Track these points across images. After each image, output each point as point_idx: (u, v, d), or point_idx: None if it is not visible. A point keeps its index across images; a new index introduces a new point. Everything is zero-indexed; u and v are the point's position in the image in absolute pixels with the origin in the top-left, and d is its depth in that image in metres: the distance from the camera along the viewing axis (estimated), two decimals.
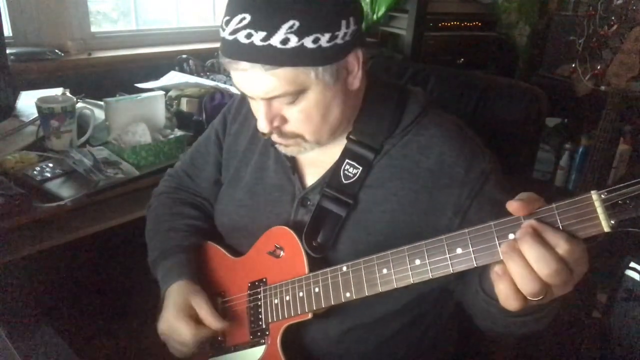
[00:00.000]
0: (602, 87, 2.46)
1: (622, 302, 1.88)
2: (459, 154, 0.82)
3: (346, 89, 0.80)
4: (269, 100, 0.76)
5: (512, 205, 0.57)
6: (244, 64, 0.72)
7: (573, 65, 2.69)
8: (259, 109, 0.78)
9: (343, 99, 0.80)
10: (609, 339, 1.92)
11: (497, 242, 0.60)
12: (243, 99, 1.06)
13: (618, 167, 2.47)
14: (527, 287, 0.55)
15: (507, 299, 0.58)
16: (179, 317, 0.87)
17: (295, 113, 0.77)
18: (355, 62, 0.78)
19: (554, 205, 0.57)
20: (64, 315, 1.33)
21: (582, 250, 0.55)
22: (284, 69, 0.71)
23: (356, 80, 0.80)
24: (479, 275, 0.72)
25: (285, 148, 0.84)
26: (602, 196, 0.54)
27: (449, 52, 2.64)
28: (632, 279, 1.85)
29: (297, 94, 0.75)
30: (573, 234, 0.55)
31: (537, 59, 2.96)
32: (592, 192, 0.54)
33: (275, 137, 0.82)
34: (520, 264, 0.55)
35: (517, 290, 0.57)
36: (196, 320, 0.88)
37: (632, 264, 1.85)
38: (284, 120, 0.78)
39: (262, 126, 0.78)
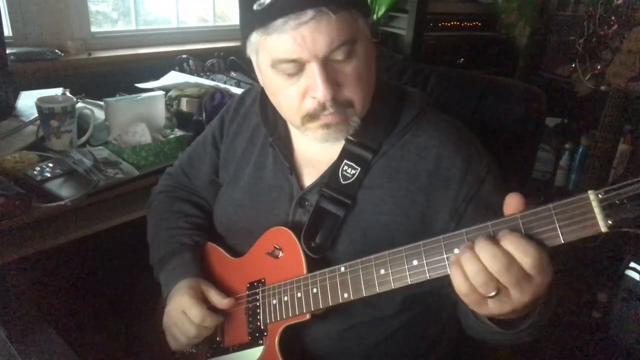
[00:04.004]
0: (602, 87, 2.47)
1: (622, 302, 1.88)
2: (456, 156, 0.82)
3: (375, 58, 0.83)
4: (326, 59, 0.73)
5: (513, 198, 0.60)
6: (309, 13, 0.69)
7: (573, 65, 2.70)
8: (315, 76, 0.73)
9: (374, 70, 0.83)
10: (609, 339, 1.92)
11: None
12: (241, 100, 1.06)
13: (618, 167, 2.47)
14: (477, 279, 0.58)
15: (458, 289, 0.61)
16: (191, 296, 0.88)
17: (349, 72, 0.76)
18: (371, 29, 0.81)
19: (551, 205, 0.57)
20: (64, 315, 1.33)
21: (540, 258, 0.57)
22: (344, 13, 0.72)
23: (375, 50, 0.83)
24: None
25: (335, 127, 0.79)
26: (600, 196, 0.54)
27: (449, 52, 2.64)
28: (632, 279, 1.85)
29: (352, 43, 0.75)
30: (540, 242, 0.57)
31: (537, 59, 2.96)
32: (590, 191, 0.54)
33: (326, 113, 0.77)
34: (471, 256, 0.58)
35: (471, 286, 0.59)
36: (208, 306, 0.88)
37: (632, 264, 1.85)
38: (338, 85, 0.76)
39: (324, 91, 0.73)
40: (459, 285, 0.60)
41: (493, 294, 0.58)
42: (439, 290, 0.84)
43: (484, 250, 0.58)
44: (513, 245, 0.57)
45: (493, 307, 0.60)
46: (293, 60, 0.74)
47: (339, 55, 0.74)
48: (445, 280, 0.72)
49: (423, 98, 0.90)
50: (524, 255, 0.56)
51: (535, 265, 0.57)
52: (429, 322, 0.92)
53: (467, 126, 0.90)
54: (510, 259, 0.57)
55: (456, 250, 0.63)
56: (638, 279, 1.84)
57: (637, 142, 2.48)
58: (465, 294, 0.60)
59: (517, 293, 0.58)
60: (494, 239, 0.58)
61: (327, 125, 0.79)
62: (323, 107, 0.76)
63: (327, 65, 0.74)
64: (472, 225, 0.62)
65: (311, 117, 0.78)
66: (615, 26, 2.50)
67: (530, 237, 0.58)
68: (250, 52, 0.82)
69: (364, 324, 0.87)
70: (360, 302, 0.77)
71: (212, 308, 0.89)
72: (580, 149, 2.70)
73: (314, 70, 0.74)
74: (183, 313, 0.88)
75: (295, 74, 0.76)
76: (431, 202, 0.82)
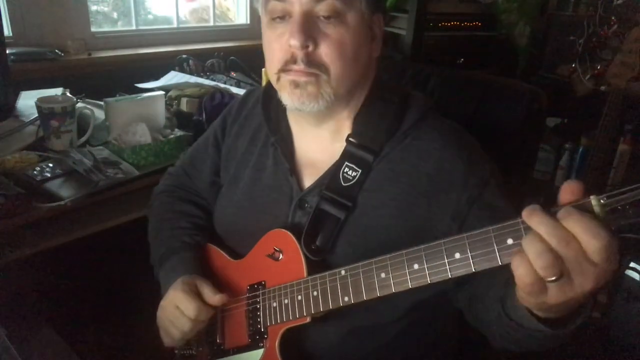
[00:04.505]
0: (602, 87, 2.47)
1: (622, 302, 1.88)
2: (458, 159, 0.82)
3: (370, 50, 0.84)
4: (309, 12, 0.76)
5: (568, 185, 0.55)
6: None
7: (573, 65, 2.70)
8: (293, 24, 0.77)
9: (367, 58, 0.84)
10: (609, 339, 1.92)
11: (495, 247, 0.59)
12: (243, 101, 1.06)
13: (618, 167, 2.47)
14: (540, 260, 0.52)
15: (521, 279, 0.55)
16: (185, 291, 0.87)
17: (331, 33, 0.77)
18: (378, 28, 0.84)
19: (552, 210, 0.55)
20: (64, 315, 1.33)
21: (610, 242, 0.51)
22: None
23: (377, 48, 0.85)
24: (501, 300, 0.70)
25: (304, 88, 0.79)
26: (602, 201, 0.53)
27: (449, 52, 2.64)
28: (632, 279, 1.85)
29: (341, 3, 0.76)
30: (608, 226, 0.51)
31: (537, 59, 2.95)
32: (592, 197, 0.53)
33: (299, 66, 0.78)
34: (533, 238, 0.53)
35: (532, 269, 0.53)
36: (202, 301, 0.88)
37: (632, 264, 1.85)
38: (315, 42, 0.77)
39: (296, 37, 0.75)
40: (524, 275, 0.54)
41: (555, 277, 0.52)
42: (441, 296, 0.84)
43: (542, 224, 0.52)
44: (580, 225, 0.51)
45: (552, 296, 0.55)
46: None
47: (324, 10, 0.76)
48: (448, 285, 0.71)
49: (426, 101, 0.90)
50: (592, 237, 0.51)
51: (604, 250, 0.51)
52: (428, 327, 0.92)
53: (467, 126, 0.90)
54: (571, 235, 0.52)
55: (457, 255, 0.62)
56: (638, 279, 1.84)
57: (637, 142, 2.47)
58: (529, 283, 0.54)
59: (579, 276, 0.53)
60: (554, 216, 0.53)
61: (296, 84, 0.80)
62: (294, 59, 0.78)
63: (309, 17, 0.77)
64: (475, 228, 0.62)
65: (283, 69, 0.80)
66: (615, 26, 2.49)
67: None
68: (257, 4, 0.85)
69: (365, 329, 0.86)
70: (361, 307, 0.77)
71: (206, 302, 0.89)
72: (580, 149, 2.69)
73: (294, 17, 0.77)
74: (176, 307, 0.87)
75: (281, 22, 0.79)
76: (432, 206, 0.81)
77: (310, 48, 0.77)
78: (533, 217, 0.54)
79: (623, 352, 1.88)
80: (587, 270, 0.52)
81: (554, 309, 0.59)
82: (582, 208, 0.53)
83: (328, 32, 0.77)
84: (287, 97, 0.82)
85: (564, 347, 0.73)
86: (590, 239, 0.51)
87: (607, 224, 0.52)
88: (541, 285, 0.54)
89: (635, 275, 1.85)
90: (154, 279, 1.00)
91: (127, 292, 1.47)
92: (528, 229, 0.55)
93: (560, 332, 0.63)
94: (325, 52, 0.78)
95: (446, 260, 0.63)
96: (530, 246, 0.53)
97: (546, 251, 0.52)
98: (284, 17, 0.79)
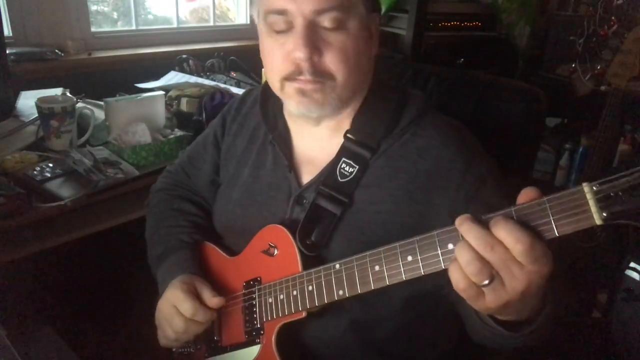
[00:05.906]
0: (602, 87, 2.47)
1: (622, 302, 1.88)
2: (456, 156, 0.82)
3: (369, 51, 0.85)
4: (312, 22, 0.76)
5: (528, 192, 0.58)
6: None
7: (573, 65, 2.70)
8: (297, 34, 0.76)
9: (367, 57, 0.84)
10: (609, 339, 1.92)
11: None
12: (242, 100, 1.06)
13: (618, 167, 2.47)
14: (470, 267, 0.57)
15: (456, 285, 0.59)
16: (184, 290, 0.87)
17: (334, 42, 0.77)
18: (374, 26, 0.84)
19: (545, 198, 0.56)
20: (64, 315, 1.33)
21: (532, 244, 0.54)
22: None
23: (375, 46, 0.86)
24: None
25: (310, 96, 0.80)
26: (594, 188, 0.53)
27: (449, 52, 2.64)
28: (632, 279, 1.85)
29: (343, 12, 0.76)
30: (538, 235, 0.56)
31: (537, 59, 2.95)
32: (584, 184, 0.53)
33: (305, 76, 0.78)
34: (463, 245, 0.58)
35: (465, 275, 0.58)
36: (199, 302, 0.87)
37: (632, 264, 1.85)
38: (319, 52, 0.77)
39: (302, 50, 0.75)
40: (457, 280, 0.58)
41: (487, 282, 0.57)
42: (437, 291, 0.84)
43: (470, 232, 0.57)
44: (504, 231, 0.55)
45: (490, 300, 0.58)
46: (281, 12, 0.76)
47: (326, 22, 0.76)
48: (444, 281, 0.71)
49: (425, 99, 0.90)
50: (515, 241, 0.55)
51: (527, 253, 0.55)
52: (425, 323, 0.92)
53: (467, 126, 0.90)
54: (495, 241, 0.56)
55: (450, 245, 0.63)
56: (638, 279, 1.84)
57: (637, 142, 2.47)
58: (462, 289, 0.59)
59: (509, 278, 0.56)
60: (483, 224, 0.57)
61: (302, 92, 0.80)
62: (300, 70, 0.78)
63: (312, 28, 0.76)
64: None
65: (287, 79, 0.80)
66: (615, 26, 2.49)
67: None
68: (253, 12, 0.85)
69: (362, 324, 0.86)
70: (357, 302, 0.77)
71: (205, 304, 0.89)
72: (580, 149, 2.69)
73: (297, 29, 0.76)
74: (174, 307, 0.87)
75: (282, 32, 0.78)
76: (430, 202, 0.82)
77: (316, 59, 0.77)
78: (463, 225, 0.58)
79: (623, 352, 1.87)
80: (516, 272, 0.56)
81: (501, 312, 0.63)
82: (574, 195, 0.55)
83: (331, 40, 0.77)
84: (294, 105, 0.82)
85: (564, 346, 0.75)
86: (514, 243, 0.55)
87: (531, 228, 0.56)
88: (477, 289, 0.58)
89: (635, 275, 1.84)
90: (153, 279, 1.00)
91: (127, 292, 1.47)
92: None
93: (515, 335, 0.67)
94: (330, 60, 0.78)
95: (439, 251, 0.64)
96: (461, 254, 0.58)
97: (475, 259, 0.56)
98: (285, 28, 0.78)
